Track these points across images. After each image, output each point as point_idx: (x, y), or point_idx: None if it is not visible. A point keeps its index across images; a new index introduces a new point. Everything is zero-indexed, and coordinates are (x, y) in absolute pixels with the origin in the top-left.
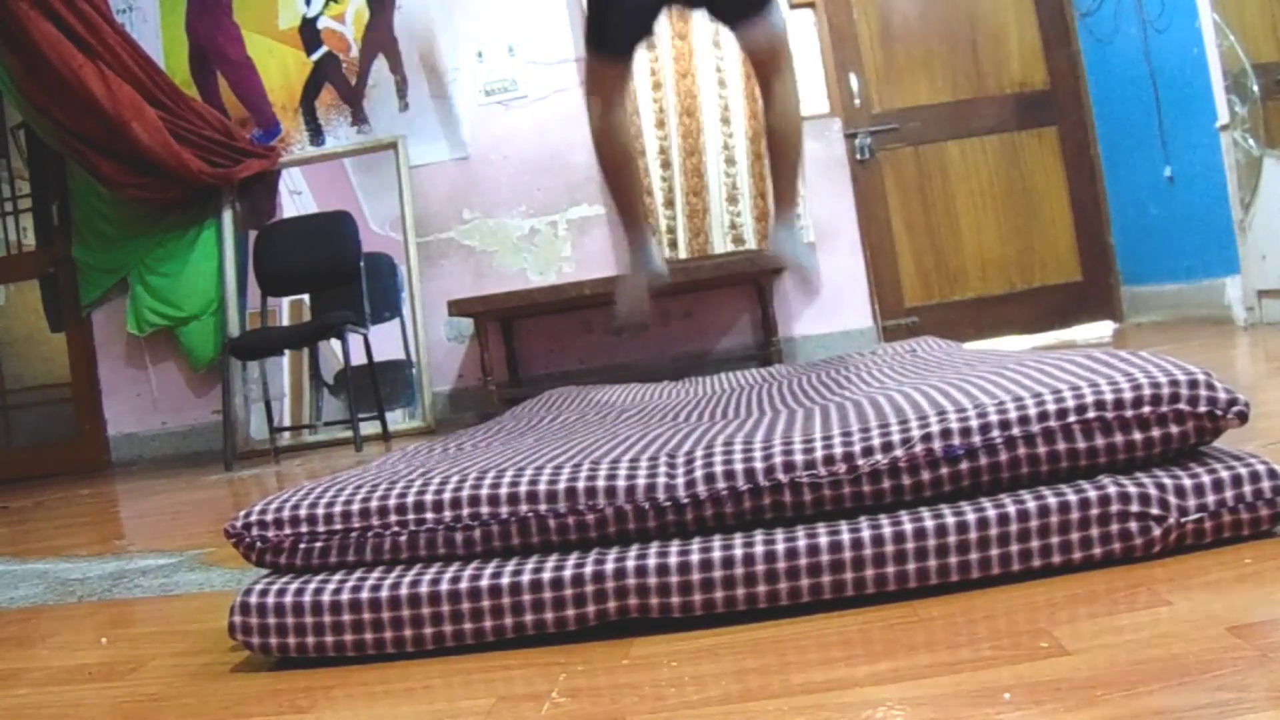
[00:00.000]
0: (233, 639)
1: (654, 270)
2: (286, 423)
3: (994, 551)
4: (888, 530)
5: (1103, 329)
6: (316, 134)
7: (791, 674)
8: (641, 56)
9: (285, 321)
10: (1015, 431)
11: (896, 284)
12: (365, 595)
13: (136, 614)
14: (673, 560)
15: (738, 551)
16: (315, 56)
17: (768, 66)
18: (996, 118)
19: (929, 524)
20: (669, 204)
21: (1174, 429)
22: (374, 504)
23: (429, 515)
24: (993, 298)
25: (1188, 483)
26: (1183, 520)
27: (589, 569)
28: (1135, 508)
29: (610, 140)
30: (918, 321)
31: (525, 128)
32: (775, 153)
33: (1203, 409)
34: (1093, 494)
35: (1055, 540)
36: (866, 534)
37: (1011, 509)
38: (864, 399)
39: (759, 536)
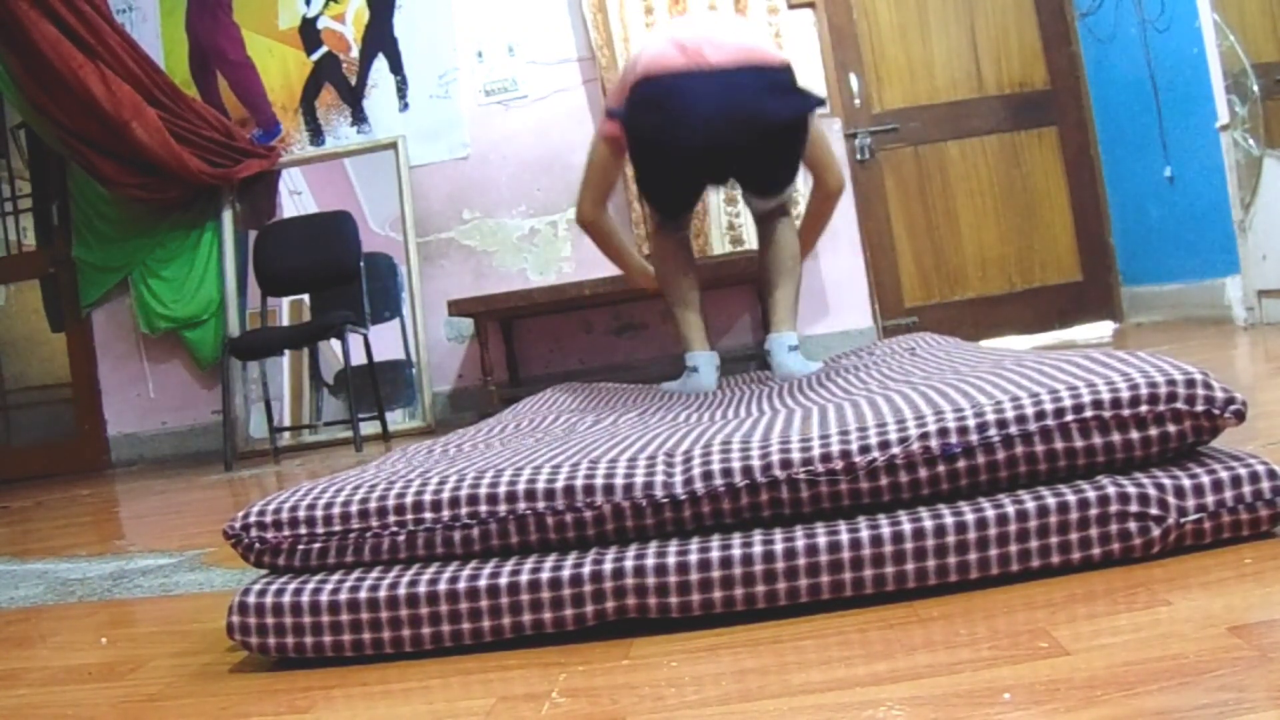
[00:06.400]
0: (231, 639)
1: (698, 391)
2: (286, 423)
3: (993, 552)
4: (887, 531)
5: (1103, 329)
6: (316, 134)
7: (791, 674)
8: None
9: (285, 321)
10: (1013, 430)
11: (896, 284)
12: (364, 595)
13: (136, 614)
14: (671, 560)
15: (736, 552)
16: (315, 56)
17: (772, 214)
18: (996, 118)
19: (928, 524)
20: None
21: (1172, 428)
22: (373, 504)
23: (428, 515)
24: (993, 298)
25: (1187, 483)
26: (1182, 520)
27: (588, 569)
28: (1135, 508)
29: (665, 276)
30: (918, 321)
31: (525, 128)
32: (778, 283)
33: (1200, 408)
34: (1092, 494)
35: (1055, 540)
36: (865, 534)
37: (1011, 509)
38: (863, 399)
39: (758, 536)
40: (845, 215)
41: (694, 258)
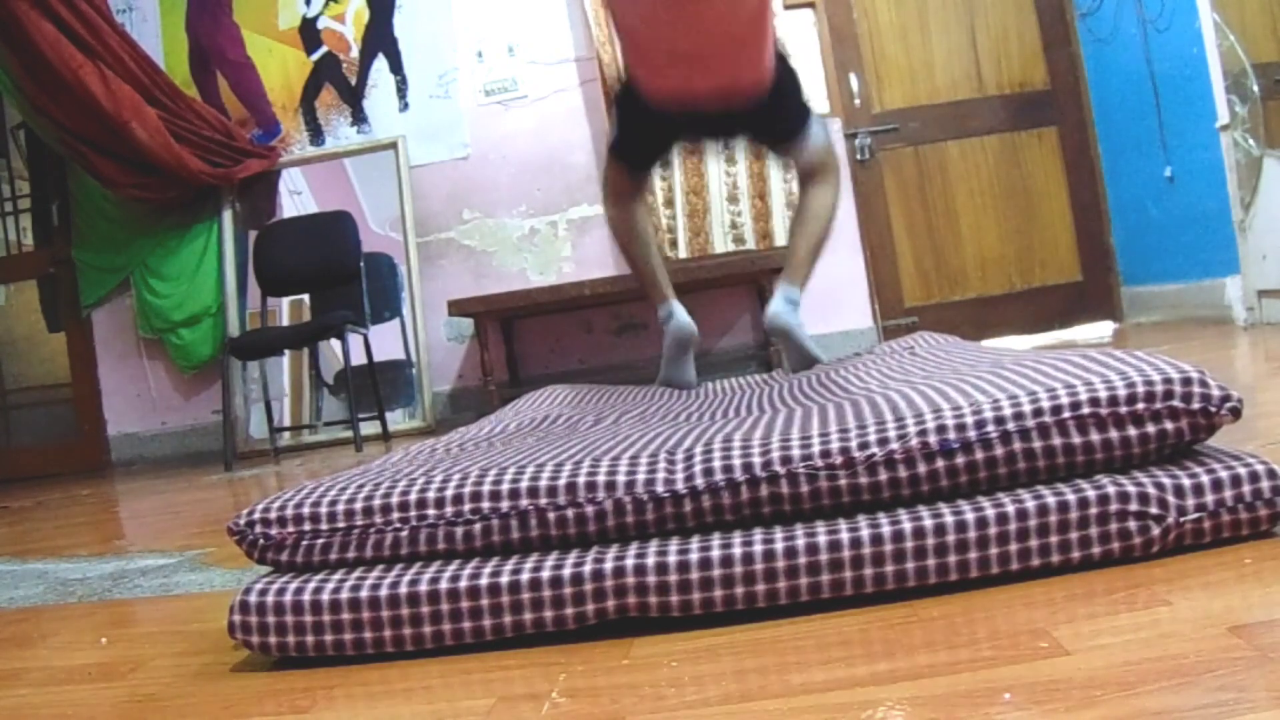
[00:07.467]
0: (232, 638)
1: (683, 332)
2: (286, 423)
3: (993, 551)
4: (887, 530)
5: (1103, 329)
6: (316, 134)
7: (791, 674)
8: None
9: (285, 321)
10: (1010, 427)
11: (896, 284)
12: (365, 594)
13: (136, 614)
14: (672, 559)
15: (736, 550)
16: (315, 56)
17: (813, 177)
18: (996, 118)
19: (928, 523)
20: (669, 203)
21: (1168, 425)
22: (377, 501)
23: (431, 511)
24: (992, 298)
25: (1187, 482)
26: (1182, 520)
27: (588, 568)
28: (1134, 507)
29: (625, 228)
30: (918, 322)
31: (525, 128)
32: (797, 234)
33: (1196, 405)
34: (1091, 494)
35: (1054, 540)
36: (865, 533)
37: (1010, 508)
38: (862, 399)
39: (758, 535)
40: (845, 215)
41: (649, 211)
